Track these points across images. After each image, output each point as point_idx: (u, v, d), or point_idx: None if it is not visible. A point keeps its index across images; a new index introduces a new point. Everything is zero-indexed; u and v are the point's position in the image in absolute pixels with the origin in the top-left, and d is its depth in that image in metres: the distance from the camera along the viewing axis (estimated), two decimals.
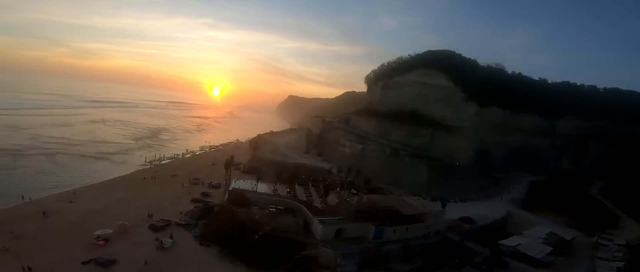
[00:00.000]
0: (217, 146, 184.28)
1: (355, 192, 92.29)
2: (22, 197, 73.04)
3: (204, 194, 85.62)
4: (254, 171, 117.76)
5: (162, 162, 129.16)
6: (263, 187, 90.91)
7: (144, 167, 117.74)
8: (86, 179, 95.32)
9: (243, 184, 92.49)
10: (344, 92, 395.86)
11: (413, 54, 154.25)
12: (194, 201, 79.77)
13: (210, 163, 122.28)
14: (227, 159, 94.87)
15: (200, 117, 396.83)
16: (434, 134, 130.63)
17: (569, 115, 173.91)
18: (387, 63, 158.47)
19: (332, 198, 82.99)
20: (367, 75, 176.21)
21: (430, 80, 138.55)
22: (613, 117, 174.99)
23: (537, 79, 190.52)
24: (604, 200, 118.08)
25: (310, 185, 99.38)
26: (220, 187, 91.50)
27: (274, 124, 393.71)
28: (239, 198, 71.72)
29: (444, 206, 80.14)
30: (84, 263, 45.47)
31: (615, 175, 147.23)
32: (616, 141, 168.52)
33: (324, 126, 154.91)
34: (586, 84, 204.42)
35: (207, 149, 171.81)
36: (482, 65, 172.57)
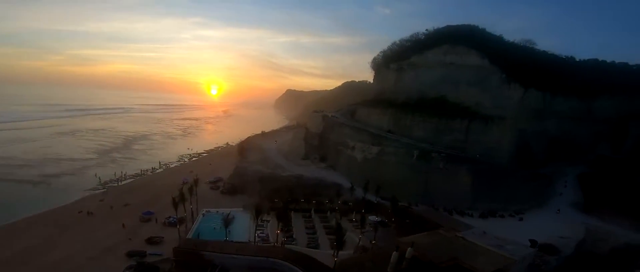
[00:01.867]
0: (200, 154, 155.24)
1: (377, 219, 63.49)
2: None
3: (151, 241, 56.75)
4: (236, 190, 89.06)
5: (121, 182, 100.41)
6: (242, 221, 62.11)
7: (93, 192, 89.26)
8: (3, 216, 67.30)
9: (212, 219, 63.62)
10: (343, 82, 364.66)
11: (430, 29, 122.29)
12: (131, 254, 50.93)
13: (182, 182, 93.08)
14: (185, 185, 65.94)
15: (190, 118, 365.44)
16: (469, 127, 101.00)
17: (606, 96, 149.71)
18: (400, 41, 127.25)
19: (351, 237, 54.00)
20: (374, 59, 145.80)
21: (459, 58, 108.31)
22: None
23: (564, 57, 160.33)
24: None
25: (312, 211, 70.52)
26: (183, 224, 62.14)
27: (272, 120, 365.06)
28: (192, 258, 42.80)
29: (534, 245, 52.65)
30: None
31: None
32: None
33: (326, 123, 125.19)
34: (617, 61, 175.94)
35: (186, 159, 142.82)
36: (510, 41, 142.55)
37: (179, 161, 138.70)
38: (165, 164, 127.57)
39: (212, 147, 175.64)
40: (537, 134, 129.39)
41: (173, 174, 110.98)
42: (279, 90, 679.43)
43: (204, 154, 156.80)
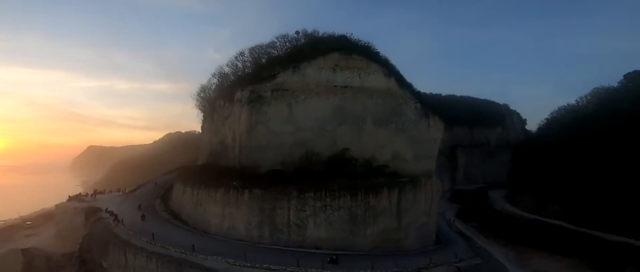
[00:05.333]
0: None
1: None
2: None
3: None
4: None
5: None
6: None
7: None
8: None
9: None
10: (165, 133, 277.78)
11: (302, 32, 70.39)
12: None
13: None
14: None
15: None
16: (400, 203, 53.30)
17: None
18: (250, 50, 69.40)
19: None
20: (202, 90, 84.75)
21: (358, 78, 61.62)
22: (468, 123, 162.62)
23: None
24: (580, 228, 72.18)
25: None
26: None
27: (61, 190, 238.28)
28: None
29: None
30: None
31: (513, 183, 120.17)
32: (473, 147, 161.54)
33: (92, 234, 52.94)
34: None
35: None
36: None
37: None
38: None
39: None
40: None
41: None
42: (82, 147, 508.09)
43: None
